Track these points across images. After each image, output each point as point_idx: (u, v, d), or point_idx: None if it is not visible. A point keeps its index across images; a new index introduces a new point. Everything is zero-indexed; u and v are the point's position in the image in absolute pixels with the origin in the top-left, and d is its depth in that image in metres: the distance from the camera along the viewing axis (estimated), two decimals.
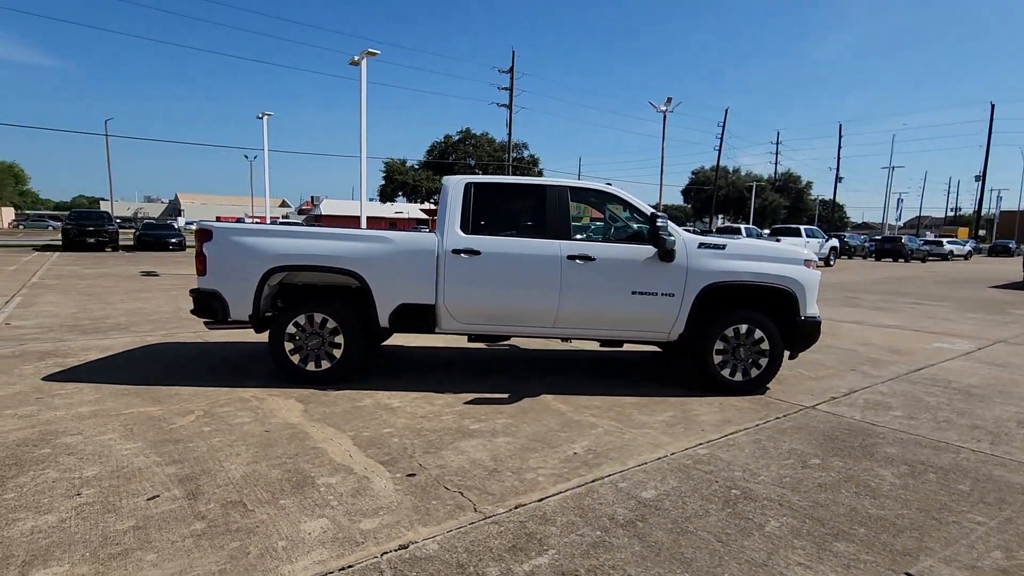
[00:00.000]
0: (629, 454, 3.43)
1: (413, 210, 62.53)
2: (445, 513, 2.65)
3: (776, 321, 4.76)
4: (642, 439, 3.68)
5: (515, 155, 51.24)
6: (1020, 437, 3.86)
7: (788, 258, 4.76)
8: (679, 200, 67.93)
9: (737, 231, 24.31)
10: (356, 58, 14.82)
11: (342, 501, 2.75)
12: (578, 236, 6.13)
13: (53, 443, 3.38)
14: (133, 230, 30.58)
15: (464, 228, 4.71)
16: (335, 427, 3.76)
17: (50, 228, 54.70)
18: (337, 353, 4.71)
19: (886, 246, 31.26)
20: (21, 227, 58.04)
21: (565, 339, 5.38)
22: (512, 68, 37.29)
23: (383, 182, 45.69)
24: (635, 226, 5.12)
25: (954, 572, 2.27)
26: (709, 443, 3.64)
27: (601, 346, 5.30)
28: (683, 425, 3.97)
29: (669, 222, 4.72)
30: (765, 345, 4.70)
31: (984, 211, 61.94)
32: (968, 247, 38.40)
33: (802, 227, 23.30)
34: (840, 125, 52.09)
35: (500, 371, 5.40)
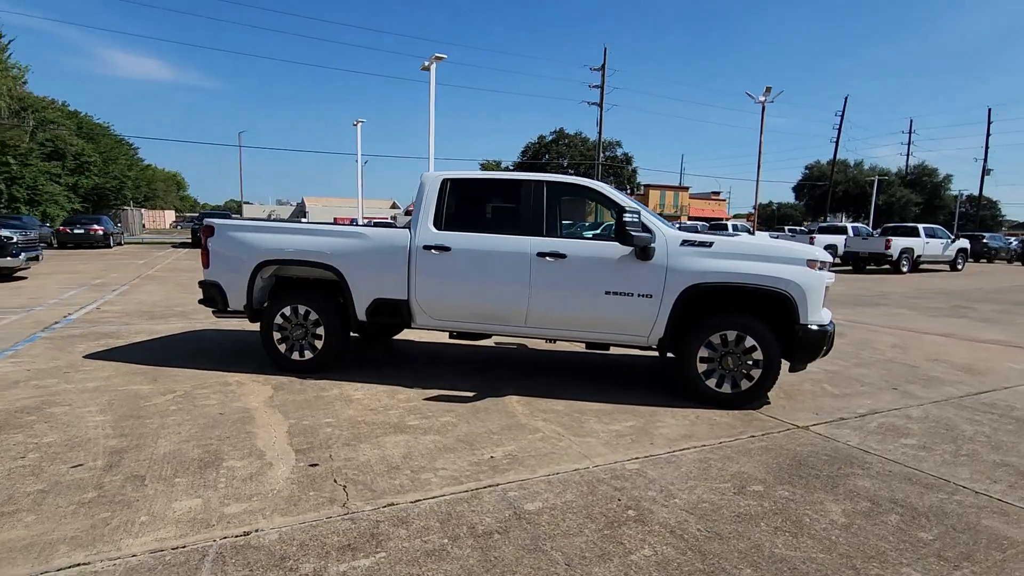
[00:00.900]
0: (548, 463, 3.22)
1: None
2: (312, 505, 2.66)
3: (774, 328, 4.23)
4: (576, 448, 3.44)
5: (608, 154, 50.32)
6: None
7: (786, 257, 4.20)
8: (790, 197, 62.77)
9: (842, 230, 21.94)
10: (426, 63, 15.35)
11: (230, 484, 2.85)
12: (587, 235, 5.89)
13: (43, 412, 3.85)
14: None
15: (437, 224, 4.69)
16: (284, 414, 3.92)
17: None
18: (319, 344, 4.91)
19: None
20: (179, 227, 67.03)
21: (551, 340, 5.19)
22: (604, 65, 36.57)
23: None
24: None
25: None
26: (647, 458, 3.32)
27: (587, 348, 5.04)
28: (634, 437, 3.65)
29: (647, 216, 4.37)
30: (758, 355, 4.19)
31: None
32: None
33: (920, 226, 20.45)
34: (989, 110, 45.04)
35: (491, 369, 5.32)
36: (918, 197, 53.39)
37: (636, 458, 3.31)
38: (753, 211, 28.89)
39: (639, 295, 4.31)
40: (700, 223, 31.18)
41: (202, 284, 5.16)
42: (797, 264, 4.18)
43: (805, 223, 53.47)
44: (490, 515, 2.61)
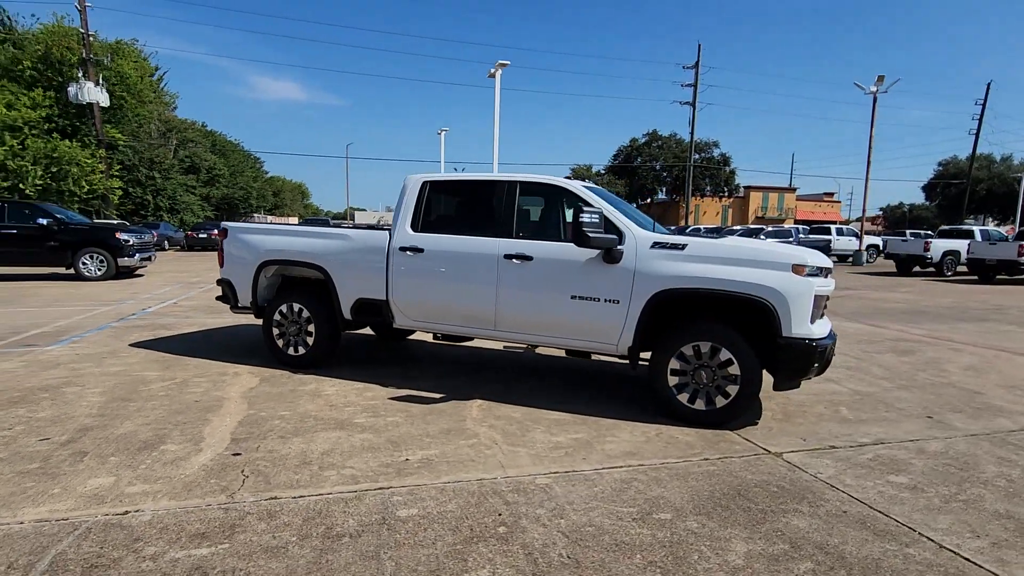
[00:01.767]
0: (458, 470, 3.11)
1: None
2: (203, 492, 2.78)
3: (755, 341, 3.78)
4: (499, 457, 3.30)
5: (704, 155, 47.90)
6: None
7: (767, 261, 3.73)
8: (920, 198, 55.83)
9: (968, 233, 19.11)
10: (492, 70, 15.58)
11: (151, 467, 3.06)
12: None
13: (58, 391, 4.38)
14: None
15: (414, 226, 4.73)
16: (250, 404, 4.14)
17: None
18: (310, 340, 5.14)
19: None
20: None
21: (533, 345, 5.03)
22: (697, 63, 34.97)
23: None
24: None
25: None
26: (566, 473, 3.10)
27: (567, 355, 4.82)
28: (571, 450, 3.43)
29: (616, 216, 4.11)
30: (734, 369, 3.76)
31: None
32: None
33: None
34: None
35: (480, 372, 5.25)
36: None
37: (554, 473, 3.11)
38: (862, 213, 26.09)
39: (605, 300, 4.05)
40: (801, 227, 28.64)
41: (218, 282, 5.62)
42: (779, 269, 3.70)
43: (942, 226, 47.22)
44: (357, 518, 2.57)
